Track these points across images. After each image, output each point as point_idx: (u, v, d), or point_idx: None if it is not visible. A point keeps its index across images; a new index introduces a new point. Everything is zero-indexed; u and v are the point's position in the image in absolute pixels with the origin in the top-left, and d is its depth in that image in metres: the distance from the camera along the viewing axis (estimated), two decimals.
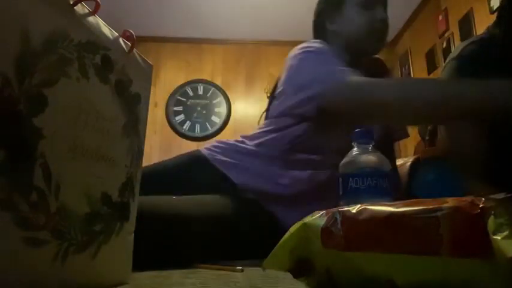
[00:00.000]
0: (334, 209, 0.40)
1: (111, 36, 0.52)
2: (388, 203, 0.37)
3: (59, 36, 0.42)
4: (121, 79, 0.52)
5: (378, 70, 1.12)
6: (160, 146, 3.60)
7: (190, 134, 3.74)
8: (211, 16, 3.46)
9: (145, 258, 0.63)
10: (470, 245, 0.30)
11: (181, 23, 3.58)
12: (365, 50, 1.04)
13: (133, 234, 0.55)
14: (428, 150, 0.56)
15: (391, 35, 3.69)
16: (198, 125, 3.76)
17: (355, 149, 0.57)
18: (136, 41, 0.55)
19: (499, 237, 0.28)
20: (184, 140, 3.71)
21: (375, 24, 0.99)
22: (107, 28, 0.51)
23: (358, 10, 1.00)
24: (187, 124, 3.76)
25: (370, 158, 0.55)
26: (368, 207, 0.37)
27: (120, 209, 0.52)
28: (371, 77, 0.91)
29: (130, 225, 0.54)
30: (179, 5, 3.30)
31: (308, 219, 0.41)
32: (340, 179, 0.56)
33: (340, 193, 0.56)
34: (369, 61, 1.11)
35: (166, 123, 3.71)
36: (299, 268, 0.41)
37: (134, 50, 0.56)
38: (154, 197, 0.85)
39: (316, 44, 1.01)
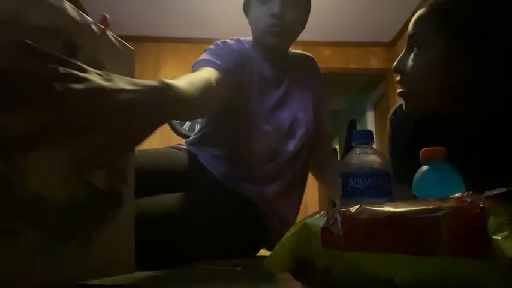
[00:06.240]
0: (334, 209, 0.40)
1: (79, 20, 0.48)
2: (388, 203, 0.37)
3: (12, 19, 0.39)
4: (88, 64, 0.47)
5: (310, 68, 1.17)
6: (160, 145, 3.59)
7: (190, 134, 3.74)
8: (211, 16, 3.45)
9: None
10: (470, 245, 0.30)
11: (182, 23, 3.57)
12: (266, 45, 1.05)
13: (133, 221, 0.53)
14: (428, 150, 0.56)
15: (391, 34, 3.74)
16: (198, 125, 3.77)
17: (355, 149, 0.57)
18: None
19: (499, 237, 0.28)
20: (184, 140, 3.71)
21: (267, 19, 1.01)
22: (74, 11, 0.48)
23: (257, 6, 1.04)
24: (187, 124, 3.77)
25: (370, 158, 0.55)
26: (368, 207, 0.37)
27: (108, 197, 0.50)
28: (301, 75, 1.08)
29: (126, 213, 0.52)
30: (179, 5, 3.30)
31: (308, 219, 0.41)
32: (340, 179, 0.56)
33: (341, 193, 0.56)
34: (300, 58, 1.17)
35: (166, 123, 3.71)
36: (299, 268, 0.41)
37: (110, 34, 0.53)
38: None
39: (224, 41, 1.13)
